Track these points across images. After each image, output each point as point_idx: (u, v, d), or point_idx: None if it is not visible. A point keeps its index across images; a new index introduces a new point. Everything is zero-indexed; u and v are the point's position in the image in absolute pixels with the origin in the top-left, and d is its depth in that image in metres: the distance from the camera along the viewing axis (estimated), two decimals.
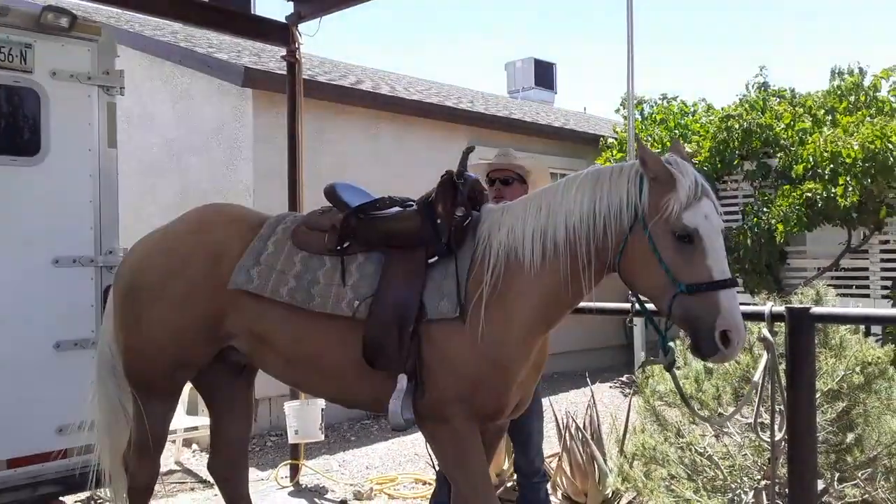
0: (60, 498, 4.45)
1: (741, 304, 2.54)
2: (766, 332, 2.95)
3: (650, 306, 2.68)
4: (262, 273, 2.99)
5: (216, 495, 5.38)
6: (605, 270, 2.67)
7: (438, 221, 2.81)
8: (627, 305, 3.09)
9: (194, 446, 6.62)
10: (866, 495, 3.63)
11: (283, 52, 5.81)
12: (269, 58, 8.59)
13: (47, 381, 4.05)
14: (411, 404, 2.71)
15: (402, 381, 2.70)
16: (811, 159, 8.70)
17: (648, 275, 2.54)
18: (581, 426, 4.82)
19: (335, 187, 3.11)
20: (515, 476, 4.18)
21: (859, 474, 3.65)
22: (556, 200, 2.71)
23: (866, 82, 10.05)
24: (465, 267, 2.76)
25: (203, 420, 5.83)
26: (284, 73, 5.93)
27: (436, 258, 2.80)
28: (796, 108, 9.59)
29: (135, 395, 3.31)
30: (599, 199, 2.61)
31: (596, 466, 4.63)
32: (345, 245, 2.94)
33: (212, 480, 5.58)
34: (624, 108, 11.16)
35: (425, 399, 2.73)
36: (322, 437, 5.71)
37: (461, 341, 2.71)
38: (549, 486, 4.72)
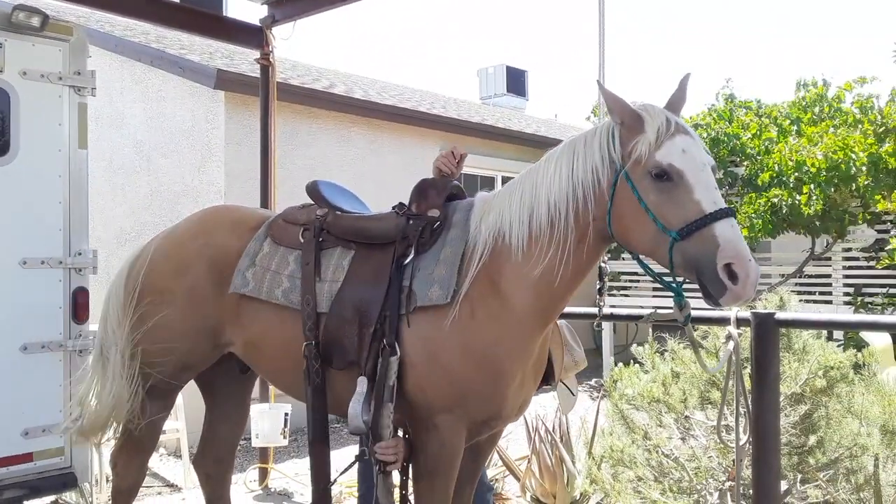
0: (24, 502, 4.39)
1: (704, 309, 2.50)
2: (732, 333, 2.99)
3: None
4: (256, 275, 2.94)
5: (183, 500, 5.35)
6: (604, 241, 2.53)
7: (411, 222, 2.76)
8: (595, 310, 3.14)
9: (162, 450, 6.56)
10: (828, 496, 3.70)
11: (257, 55, 5.81)
12: (242, 60, 8.56)
13: (13, 383, 3.98)
14: (370, 407, 2.58)
15: (363, 384, 2.60)
16: (776, 168, 8.88)
17: (639, 228, 2.35)
18: (550, 429, 4.86)
19: (318, 184, 3.08)
20: None
21: (821, 475, 3.72)
22: (539, 176, 2.59)
23: (830, 94, 10.28)
24: (458, 253, 2.63)
25: (171, 423, 5.79)
26: (257, 75, 5.94)
27: (410, 257, 2.68)
28: (762, 119, 9.78)
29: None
30: (576, 167, 2.47)
31: (564, 468, 4.68)
32: (320, 239, 2.88)
33: (179, 485, 5.61)
34: (594, 116, 11.27)
35: (411, 403, 2.62)
36: (285, 443, 5.68)
37: (451, 335, 2.55)
38: (518, 488, 4.76)
